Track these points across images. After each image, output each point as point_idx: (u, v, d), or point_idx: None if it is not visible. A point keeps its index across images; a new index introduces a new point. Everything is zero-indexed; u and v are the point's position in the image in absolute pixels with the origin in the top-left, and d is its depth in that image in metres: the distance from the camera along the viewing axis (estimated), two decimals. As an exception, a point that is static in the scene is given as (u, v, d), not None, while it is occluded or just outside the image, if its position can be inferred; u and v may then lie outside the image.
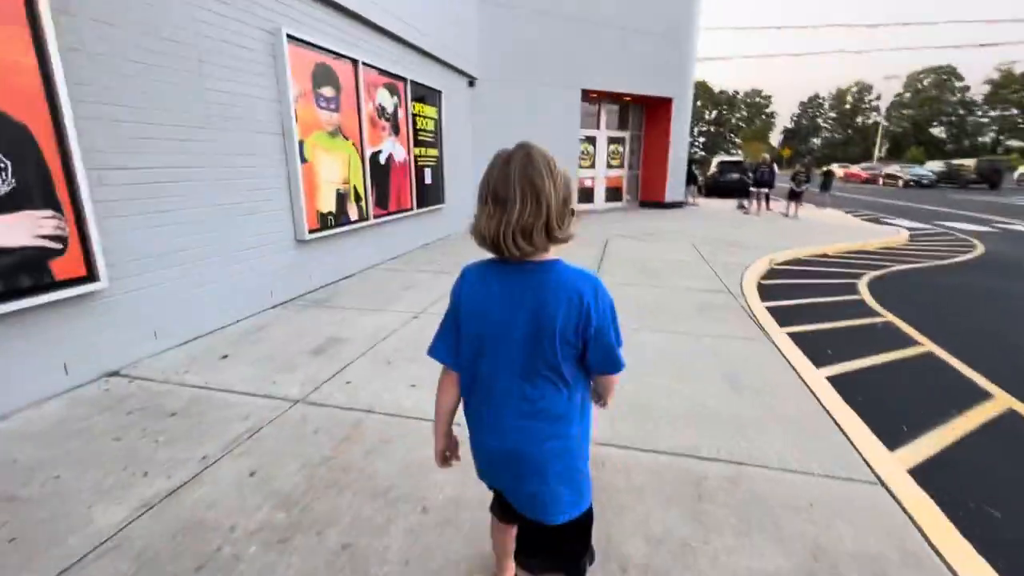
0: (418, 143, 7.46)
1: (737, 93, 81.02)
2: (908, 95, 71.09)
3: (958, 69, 68.41)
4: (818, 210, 14.44)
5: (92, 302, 3.05)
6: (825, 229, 10.44)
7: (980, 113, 67.62)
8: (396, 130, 6.75)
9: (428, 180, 7.92)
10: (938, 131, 70.97)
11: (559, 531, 1.17)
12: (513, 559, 1.31)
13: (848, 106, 76.26)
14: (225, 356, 3.47)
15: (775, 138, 79.20)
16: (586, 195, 13.49)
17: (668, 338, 3.85)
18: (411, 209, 7.29)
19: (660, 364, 3.35)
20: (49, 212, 2.76)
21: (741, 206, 14.03)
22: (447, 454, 1.34)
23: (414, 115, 7.28)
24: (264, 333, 3.93)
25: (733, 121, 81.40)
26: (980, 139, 67.51)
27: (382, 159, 6.40)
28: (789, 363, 3.41)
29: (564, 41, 11.06)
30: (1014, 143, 61.21)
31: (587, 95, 12.40)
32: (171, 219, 3.59)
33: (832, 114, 78.15)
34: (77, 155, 2.84)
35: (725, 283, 5.63)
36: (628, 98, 13.21)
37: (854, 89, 76.04)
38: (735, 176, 19.69)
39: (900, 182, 29.99)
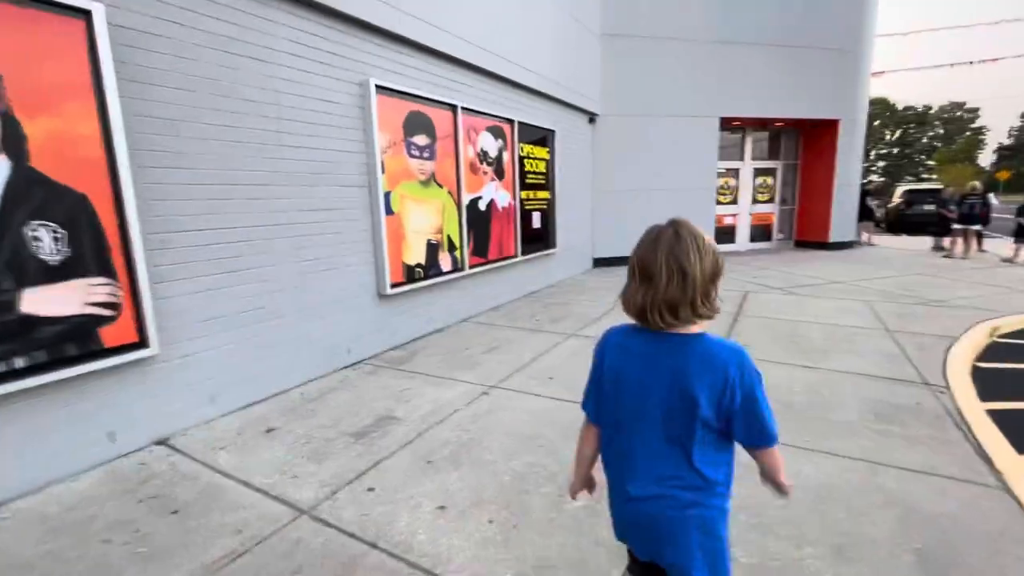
0: (526, 186, 7.02)
1: (930, 108, 68.59)
2: None
3: None
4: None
5: (144, 368, 2.97)
6: (1080, 281, 7.53)
7: None
8: (500, 174, 6.38)
9: (537, 224, 7.41)
10: None
11: None
12: None
13: (1099, 113, 59.40)
14: (270, 430, 3.19)
15: (986, 158, 64.88)
16: (726, 234, 11.83)
17: (820, 468, 2.64)
18: (514, 256, 6.81)
19: (804, 524, 2.21)
20: (103, 279, 2.72)
21: (940, 247, 11.07)
22: (583, 491, 1.45)
23: (522, 157, 6.88)
24: (322, 402, 3.62)
25: (924, 140, 68.77)
26: None
27: (482, 205, 6.05)
28: (1050, 543, 2.02)
29: (697, 67, 9.94)
30: None
31: (728, 123, 10.99)
32: (241, 279, 3.49)
33: (1073, 125, 61.58)
34: (135, 222, 2.79)
35: (918, 366, 4.04)
36: (780, 123, 11.43)
37: (1109, 91, 59.18)
38: (929, 208, 15.98)
39: None
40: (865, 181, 12.99)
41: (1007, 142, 65.44)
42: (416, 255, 5.01)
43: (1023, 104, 75.81)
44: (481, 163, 5.99)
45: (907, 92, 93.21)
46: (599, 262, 9.95)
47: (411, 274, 4.96)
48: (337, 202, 4.18)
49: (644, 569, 1.30)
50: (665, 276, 1.09)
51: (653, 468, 1.17)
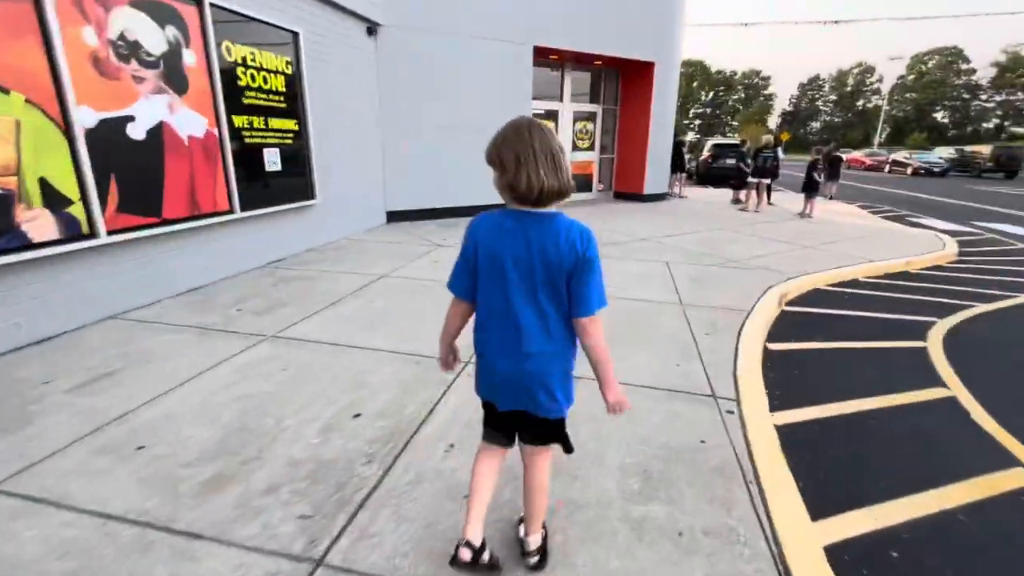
0: (245, 109, 4.83)
1: (735, 73, 77.78)
2: (912, 78, 68.23)
3: (965, 51, 65.59)
4: (825, 204, 11.93)
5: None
6: (846, 234, 7.93)
7: (985, 98, 65.13)
8: (179, 85, 4.11)
9: (274, 166, 5.30)
10: (941, 116, 68.49)
11: (555, 423, 1.48)
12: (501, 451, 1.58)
13: (849, 88, 73.34)
14: None
15: (773, 121, 76.25)
16: (547, 184, 10.89)
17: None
18: (229, 211, 4.70)
19: None
20: None
21: (737, 200, 11.49)
22: (451, 359, 1.62)
23: (232, 65, 4.64)
24: None
25: (730, 103, 78.31)
26: (984, 125, 65.15)
27: (136, 131, 3.78)
28: None
29: (510, -20, 8.35)
30: (1018, 129, 58.88)
31: (544, 55, 9.70)
32: None
33: (832, 97, 75.20)
34: None
35: (707, 364, 3.13)
36: (599, 62, 10.52)
37: (856, 70, 73.07)
38: (731, 162, 17.10)
39: (909, 170, 27.49)
40: (681, 137, 12.94)
41: (789, 108, 77.55)
42: (-65, 215, 2.69)
43: (803, 76, 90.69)
44: (127, 60, 3.67)
45: (718, 58, 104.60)
46: (395, 216, 8.17)
47: (-79, 251, 2.65)
48: None
49: (502, 418, 1.49)
50: (543, 162, 1.27)
51: (527, 329, 1.35)
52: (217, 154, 4.53)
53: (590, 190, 11.71)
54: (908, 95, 68.22)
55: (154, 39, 3.88)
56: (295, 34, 5.46)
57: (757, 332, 3.77)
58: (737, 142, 19.50)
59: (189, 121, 4.22)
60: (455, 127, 8.35)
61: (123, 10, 3.63)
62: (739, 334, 3.65)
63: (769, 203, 11.21)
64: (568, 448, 1.53)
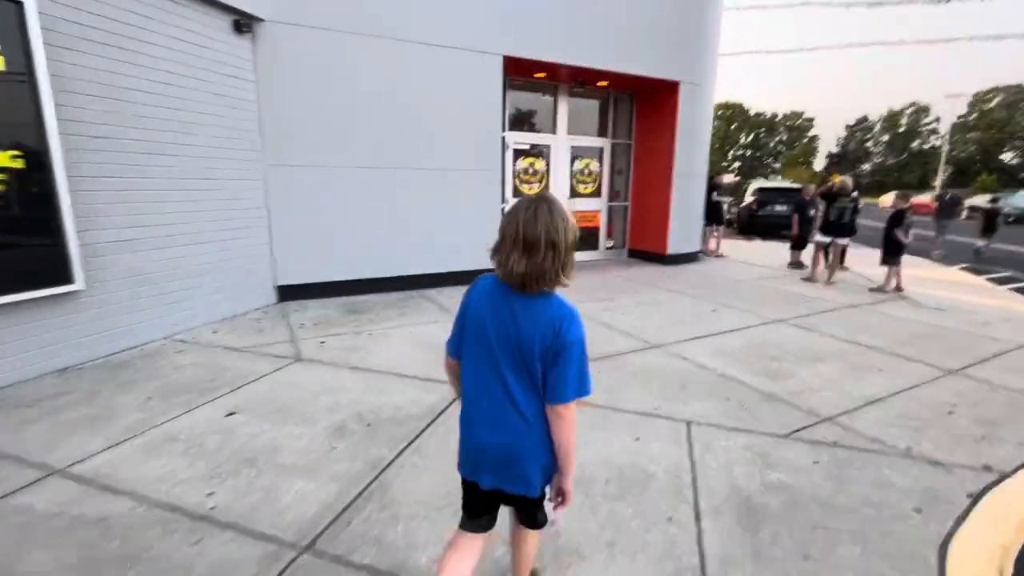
0: None
1: (776, 115, 74.81)
2: (974, 117, 63.43)
3: (1032, 89, 60.58)
4: (927, 269, 8.71)
5: None
6: (1002, 335, 4.83)
7: (1059, 137, 59.51)
8: None
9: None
10: (1010, 157, 63.00)
11: (533, 501, 1.42)
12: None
13: (902, 129, 68.92)
14: None
15: (819, 163, 72.30)
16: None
17: None
18: None
19: None
20: None
21: (797, 264, 8.47)
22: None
23: None
24: None
25: (772, 145, 74.99)
26: (1061, 166, 59.22)
27: None
28: None
29: (468, -33, 6.01)
30: (1100, 171, 52.92)
31: (527, 71, 7.25)
32: None
33: (884, 138, 70.79)
34: None
35: None
36: (604, 82, 7.99)
37: (909, 110, 68.79)
38: (781, 208, 14.07)
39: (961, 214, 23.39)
40: (717, 179, 10.16)
41: (835, 150, 73.47)
42: None
43: (848, 117, 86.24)
44: None
45: (756, 102, 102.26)
46: (295, 292, 5.64)
47: None
48: None
49: (485, 497, 1.42)
50: (543, 250, 1.20)
51: (507, 399, 1.31)
52: None
53: (596, 248, 8.95)
54: (970, 135, 63.41)
55: None
56: (19, 3, 3.12)
57: None
58: (789, 185, 16.59)
59: None
60: (391, 167, 5.88)
61: None
62: None
63: (842, 266, 8.13)
64: (540, 523, 1.50)
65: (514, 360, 1.28)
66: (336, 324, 4.81)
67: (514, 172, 7.80)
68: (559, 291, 1.30)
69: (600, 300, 5.92)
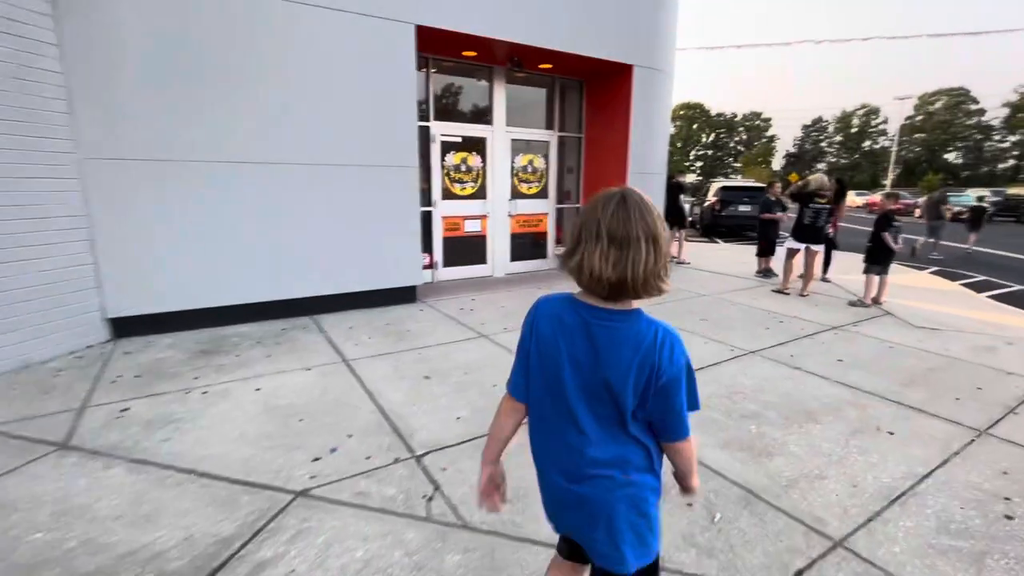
0: None
1: (736, 115, 76.06)
2: (920, 118, 65.98)
3: (971, 92, 63.60)
4: (908, 273, 8.01)
5: None
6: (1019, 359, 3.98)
7: (999, 138, 62.59)
8: None
9: None
10: (953, 157, 65.81)
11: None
12: None
13: (855, 130, 71.16)
14: None
15: (777, 163, 73.89)
16: (468, 250, 7.06)
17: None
18: None
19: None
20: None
21: (766, 272, 7.60)
22: (493, 485, 1.25)
23: None
24: None
25: (732, 145, 76.22)
26: (1000, 166, 62.28)
27: None
28: None
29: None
30: (1036, 170, 55.95)
31: (453, 49, 6.09)
32: None
33: (838, 138, 72.92)
34: None
35: None
36: (547, 64, 6.89)
37: (860, 112, 71.07)
38: (746, 209, 13.40)
39: (948, 215, 23.83)
40: (678, 179, 9.21)
41: (792, 150, 75.21)
42: None
43: (804, 118, 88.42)
44: None
45: (716, 102, 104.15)
46: (134, 325, 4.29)
47: None
48: None
49: (577, 546, 1.22)
50: (643, 244, 0.96)
51: (585, 448, 1.08)
52: None
53: (543, 256, 7.85)
54: (917, 136, 65.94)
55: None
56: None
57: None
58: (754, 184, 15.93)
59: None
60: (270, 162, 4.61)
61: None
62: None
63: (824, 278, 7.29)
64: None
65: (598, 399, 1.05)
66: (168, 375, 3.52)
67: (443, 169, 6.62)
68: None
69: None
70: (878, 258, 5.74)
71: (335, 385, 3.40)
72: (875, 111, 70.23)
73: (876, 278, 5.73)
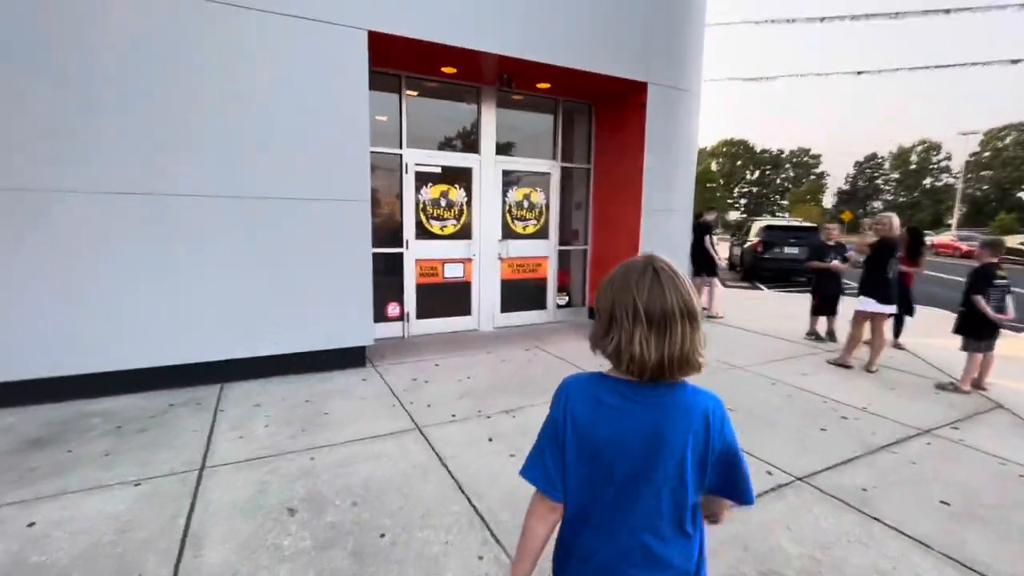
0: None
1: (782, 152, 73.44)
2: (987, 155, 61.55)
3: (1045, 126, 58.91)
4: (1013, 338, 6.29)
5: None
6: None
7: (1080, 176, 57.36)
8: None
9: None
10: (1025, 195, 60.67)
11: None
12: None
13: (913, 166, 67.13)
14: None
15: (828, 200, 70.38)
16: (450, 298, 5.95)
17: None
18: None
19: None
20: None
21: (816, 335, 6.10)
22: None
23: None
24: None
25: (777, 182, 73.33)
26: (1084, 205, 56.79)
27: None
28: None
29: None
30: (1125, 210, 50.52)
31: (430, 65, 5.16)
32: None
33: (895, 175, 68.93)
34: None
35: None
36: (546, 84, 5.87)
37: (919, 148, 67.13)
38: (792, 251, 11.82)
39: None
40: (706, 217, 7.90)
41: (844, 187, 71.55)
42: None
43: (856, 154, 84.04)
44: None
45: (761, 138, 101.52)
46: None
47: None
48: None
49: None
50: (680, 323, 0.89)
51: (639, 550, 0.95)
52: None
53: (542, 306, 6.64)
54: (984, 173, 61.44)
55: None
56: None
57: None
58: (800, 223, 14.26)
59: None
60: (166, 193, 3.71)
61: None
62: None
63: (896, 343, 5.74)
64: None
65: (651, 483, 0.93)
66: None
67: (418, 204, 5.61)
68: None
69: (498, 410, 3.56)
70: (977, 330, 4.21)
71: (148, 523, 2.27)
72: (935, 147, 66.25)
73: (979, 356, 4.19)
